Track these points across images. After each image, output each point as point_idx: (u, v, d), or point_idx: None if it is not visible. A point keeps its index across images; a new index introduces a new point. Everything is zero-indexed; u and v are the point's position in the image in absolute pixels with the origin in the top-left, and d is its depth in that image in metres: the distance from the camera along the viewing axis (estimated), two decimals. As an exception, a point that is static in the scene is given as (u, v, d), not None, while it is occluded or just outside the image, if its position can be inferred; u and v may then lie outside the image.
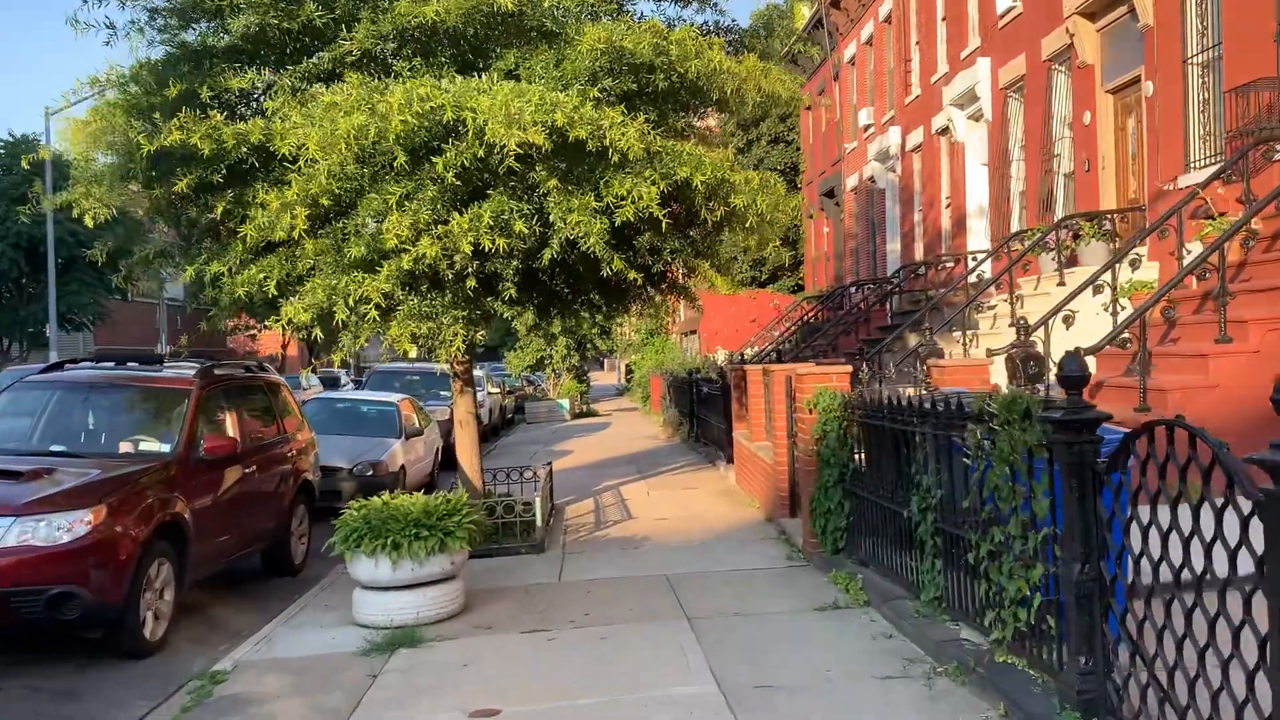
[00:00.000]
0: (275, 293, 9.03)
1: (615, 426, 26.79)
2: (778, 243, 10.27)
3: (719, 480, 14.27)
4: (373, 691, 5.90)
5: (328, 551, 7.54)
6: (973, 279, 16.48)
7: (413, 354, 11.12)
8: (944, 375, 8.29)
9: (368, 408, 14.76)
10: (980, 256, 18.03)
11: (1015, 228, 17.64)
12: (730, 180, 8.92)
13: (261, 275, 9.04)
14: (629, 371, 40.43)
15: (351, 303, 8.53)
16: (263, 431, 9.67)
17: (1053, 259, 14.05)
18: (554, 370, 31.75)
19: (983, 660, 5.17)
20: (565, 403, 30.22)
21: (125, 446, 8.14)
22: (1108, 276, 10.34)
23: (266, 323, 8.95)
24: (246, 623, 8.04)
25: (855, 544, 7.75)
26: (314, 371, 31.76)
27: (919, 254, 21.94)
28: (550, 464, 12.76)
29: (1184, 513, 3.57)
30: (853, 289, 23.78)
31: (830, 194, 28.44)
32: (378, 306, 8.78)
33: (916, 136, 21.99)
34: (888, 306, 20.90)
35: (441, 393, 19.55)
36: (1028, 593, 4.83)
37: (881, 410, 6.87)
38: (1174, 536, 3.68)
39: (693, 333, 33.36)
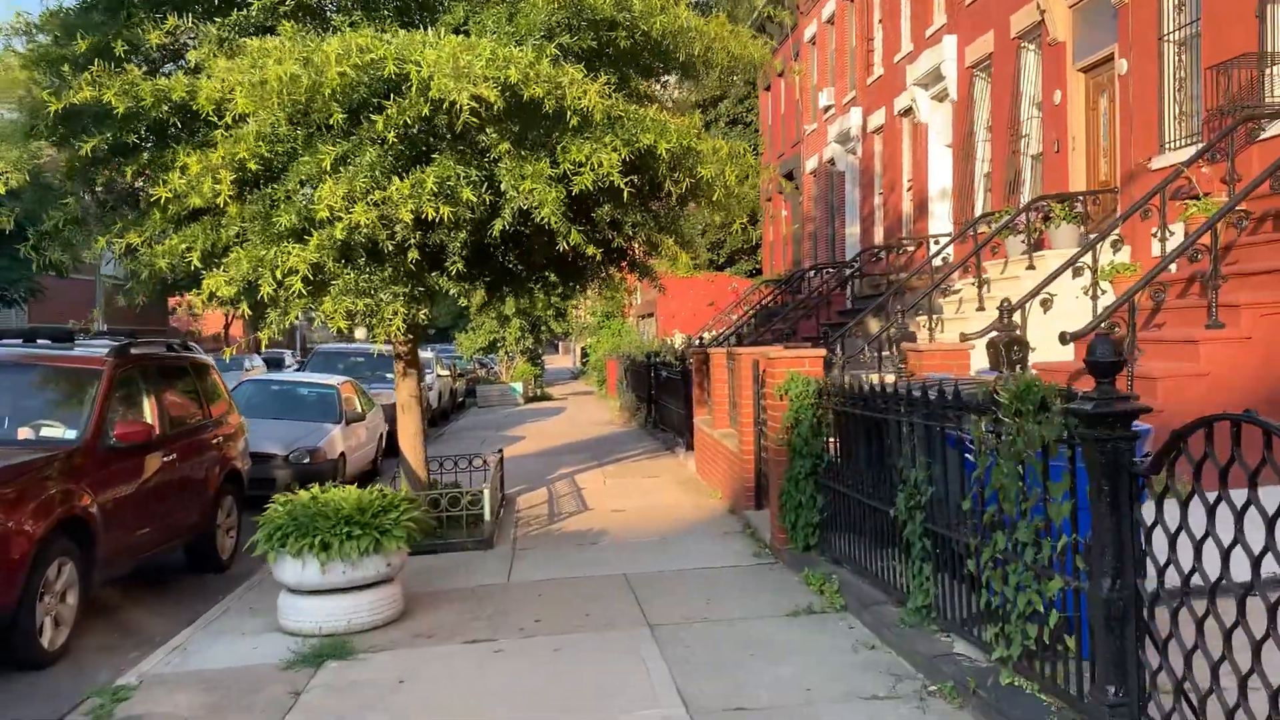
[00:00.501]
0: (199, 265, 8.21)
1: (570, 411, 26.06)
2: (745, 219, 9.61)
3: (679, 468, 13.63)
4: (294, 714, 5.16)
5: (249, 550, 6.76)
6: (937, 263, 15.96)
7: (361, 335, 10.32)
8: (922, 360, 7.69)
9: (305, 390, 13.90)
10: (943, 240, 17.56)
11: (980, 211, 17.16)
12: (697, 149, 8.24)
13: (184, 246, 8.21)
14: (584, 355, 39.69)
15: (279, 275, 7.74)
16: (185, 416, 8.83)
17: (1022, 241, 13.56)
18: (507, 353, 30.87)
19: (985, 681, 4.55)
20: (518, 386, 29.40)
21: (25, 433, 7.28)
22: (1088, 259, 9.81)
23: (189, 296, 8.12)
24: (163, 627, 7.24)
25: (829, 541, 7.13)
26: (237, 351, 30.64)
27: (879, 238, 21.43)
28: (501, 451, 12.03)
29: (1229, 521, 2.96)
30: (811, 273, 23.24)
31: (789, 177, 27.85)
32: (307, 280, 7.99)
33: (878, 118, 21.44)
34: (848, 291, 20.37)
35: (387, 375, 18.63)
36: (1041, 608, 4.21)
37: (862, 397, 6.24)
38: (1238, 552, 3.08)
39: (650, 315, 32.69)
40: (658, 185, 8.60)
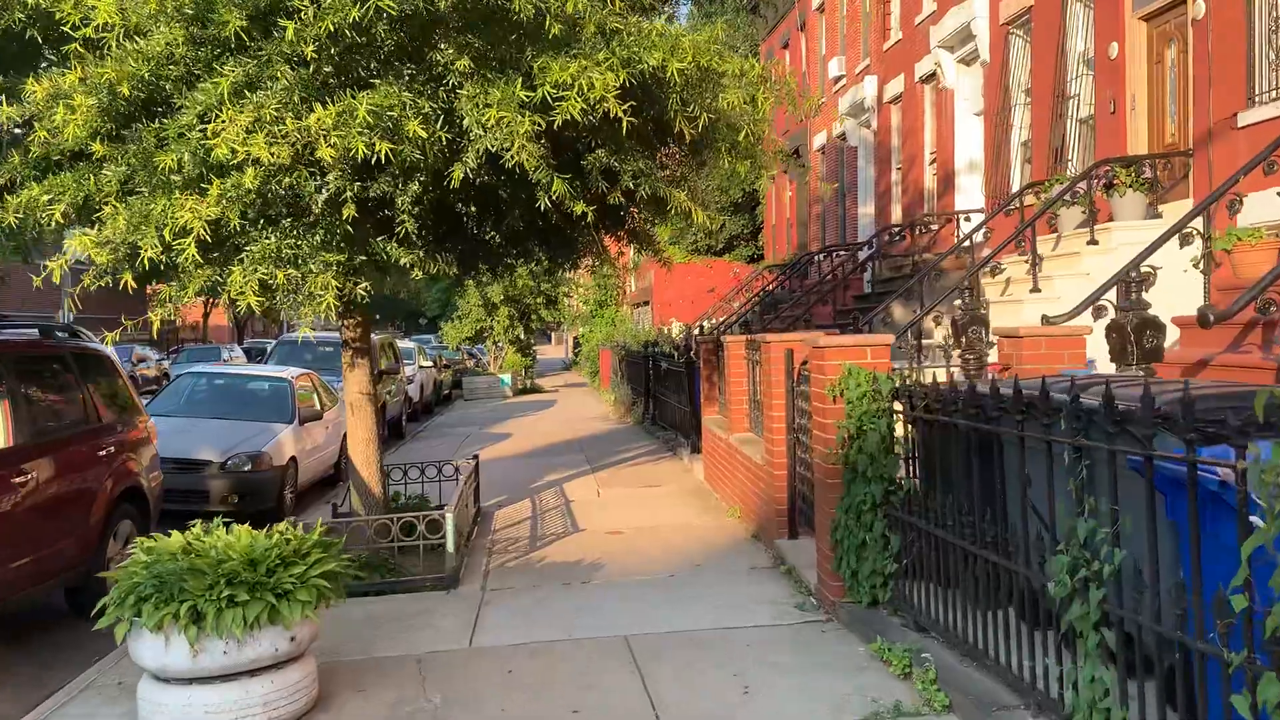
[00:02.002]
0: (62, 221, 6.16)
1: (561, 405, 24.00)
2: (776, 170, 7.57)
3: (683, 474, 11.60)
4: None
5: (95, 619, 4.69)
6: (962, 242, 13.93)
7: (312, 319, 8.28)
8: (1021, 350, 5.68)
9: (253, 385, 11.82)
10: (975, 216, 15.57)
11: (1017, 183, 15.15)
12: (718, 70, 6.20)
13: (47, 197, 6.16)
14: (577, 345, 37.63)
15: (167, 236, 5.69)
16: (58, 421, 6.78)
17: (1082, 212, 11.52)
18: (495, 343, 28.79)
19: None
20: (507, 378, 27.33)
21: None
22: (1199, 223, 7.80)
23: (48, 263, 6.08)
24: (3, 708, 5.24)
25: (907, 597, 5.11)
26: (196, 341, 28.52)
27: (897, 216, 19.39)
28: (476, 457, 9.98)
29: None
30: (820, 256, 21.21)
31: (795, 154, 25.76)
32: (206, 244, 5.96)
33: (896, 86, 19.38)
34: (865, 274, 18.36)
35: (360, 367, 16.58)
36: None
37: (977, 404, 4.21)
38: None
39: (645, 304, 30.66)
40: (665, 124, 6.57)
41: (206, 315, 41.43)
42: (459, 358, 32.67)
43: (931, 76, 17.87)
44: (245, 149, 5.36)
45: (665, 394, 15.19)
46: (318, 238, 6.49)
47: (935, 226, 17.04)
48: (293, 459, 10.75)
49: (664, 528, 8.55)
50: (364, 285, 6.48)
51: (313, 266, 6.38)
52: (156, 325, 6.18)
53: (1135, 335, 5.71)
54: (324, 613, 4.83)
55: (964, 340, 7.48)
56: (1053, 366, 5.67)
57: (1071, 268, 11.15)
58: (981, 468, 4.27)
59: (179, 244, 5.58)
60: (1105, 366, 6.46)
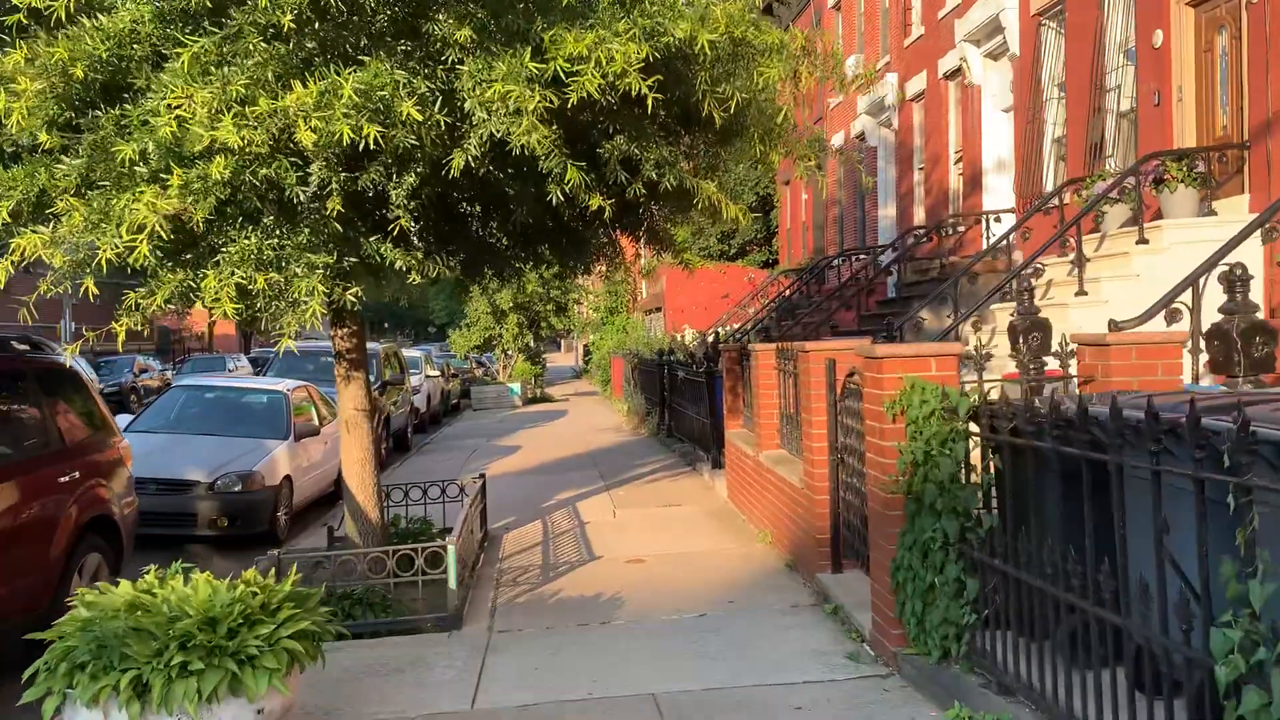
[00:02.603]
0: (10, 220, 5.42)
1: (572, 415, 23.22)
2: (814, 160, 6.79)
3: (705, 492, 10.81)
4: None
5: (26, 684, 3.91)
6: (998, 242, 13.13)
7: (295, 329, 7.56)
8: (1109, 360, 4.86)
9: (247, 398, 11.06)
10: (1004, 216, 14.80)
11: (1050, 181, 14.35)
12: (754, 43, 5.43)
13: (-9, 194, 5.43)
14: (587, 353, 36.85)
15: (124, 234, 4.95)
16: (14, 444, 6.03)
17: (1130, 209, 10.71)
18: (503, 351, 28.02)
19: None
20: (516, 387, 26.56)
21: None
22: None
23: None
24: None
25: (987, 652, 4.31)
26: (74, 348, 27.80)
27: (919, 219, 18.59)
28: (483, 476, 9.20)
29: None
30: (838, 261, 20.43)
31: (828, 146, 24.97)
32: (175, 244, 5.24)
33: (919, 83, 18.58)
34: (889, 278, 17.56)
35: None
36: None
37: (1102, 430, 3.40)
38: None
39: (657, 310, 29.90)
40: (693, 108, 5.81)
41: (212, 324, 40.73)
42: (468, 366, 31.94)
43: (956, 72, 17.07)
44: (212, 134, 4.61)
45: (682, 405, 14.41)
46: (303, 237, 5.74)
47: (962, 228, 16.26)
48: (287, 478, 9.99)
49: (689, 555, 7.75)
50: (354, 290, 5.71)
51: (297, 270, 5.62)
52: (121, 335, 5.40)
53: (1243, 342, 4.92)
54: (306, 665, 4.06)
55: (1023, 348, 6.67)
56: (1144, 379, 4.87)
57: (1119, 269, 10.34)
58: (1092, 505, 3.48)
59: (132, 240, 4.83)
60: (1194, 379, 5.66)
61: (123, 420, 10.62)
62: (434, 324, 54.66)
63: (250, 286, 5.59)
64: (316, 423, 11.30)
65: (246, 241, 5.62)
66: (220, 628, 3.73)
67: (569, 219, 7.12)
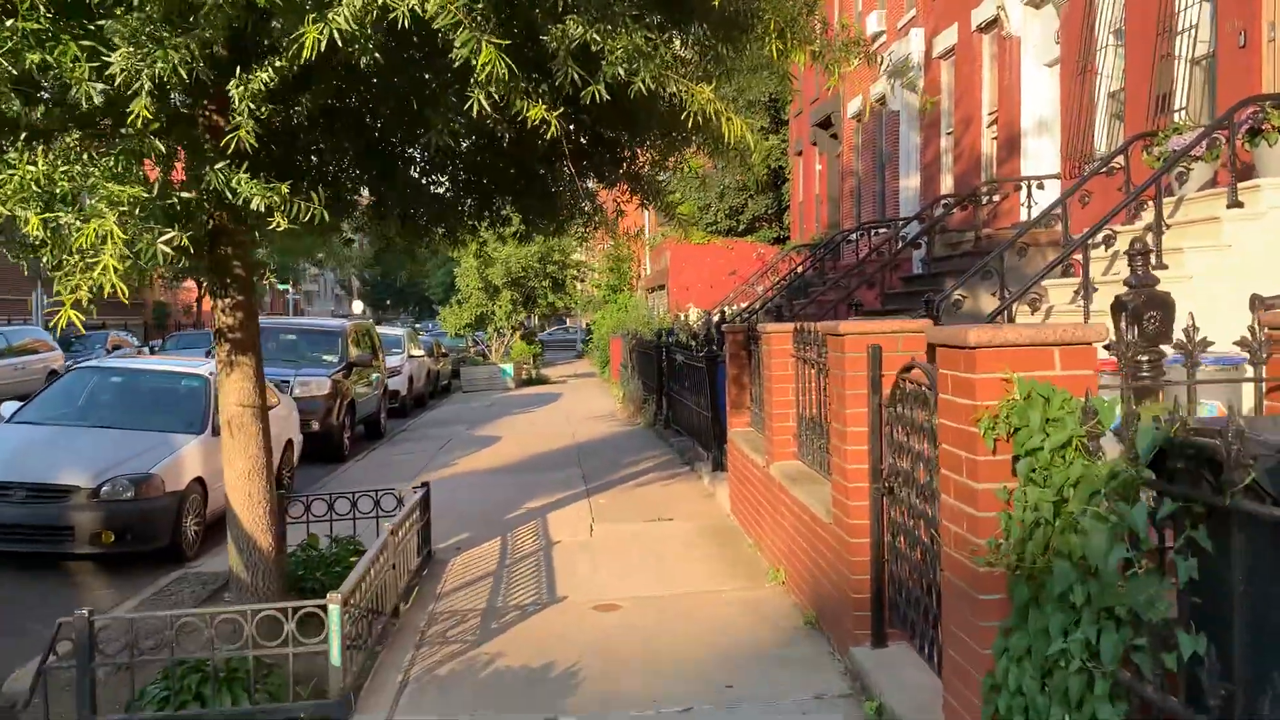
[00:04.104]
0: None
1: (566, 399, 21.32)
2: (856, 63, 4.85)
3: (702, 500, 8.92)
4: None
5: None
6: (1052, 208, 11.17)
7: (358, 308, 5.80)
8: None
9: (160, 383, 9.19)
10: (1049, 183, 12.91)
11: (1102, 141, 12.40)
12: None
13: None
14: (589, 331, 34.93)
15: None
16: None
17: (1221, 166, 8.76)
18: (496, 329, 26.09)
19: None
20: (509, 368, 24.65)
21: None
22: None
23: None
24: None
25: None
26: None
27: (947, 187, 16.61)
28: (426, 486, 7.31)
29: None
30: (855, 235, 18.47)
31: (825, 124, 22.98)
32: None
33: (948, 37, 16.56)
34: (915, 252, 15.61)
35: (325, 357, 14.00)
36: None
37: None
38: None
39: (661, 288, 27.96)
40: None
41: (200, 296, 38.75)
42: (464, 345, 30.03)
43: (992, 23, 15.06)
44: None
45: (681, 393, 12.51)
46: (111, 159, 3.86)
47: (998, 197, 14.29)
48: (199, 481, 8.13)
49: (678, 599, 5.87)
50: (173, 238, 3.82)
51: (99, 203, 3.75)
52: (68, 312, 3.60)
53: None
54: None
55: (1129, 330, 4.77)
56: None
57: (1205, 238, 8.42)
58: None
59: None
60: None
61: (10, 408, 8.80)
62: (435, 301, 52.75)
63: (26, 230, 3.74)
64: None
65: (31, 168, 3.74)
66: None
67: (517, 152, 5.24)
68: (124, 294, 3.65)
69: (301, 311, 55.78)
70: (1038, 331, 2.98)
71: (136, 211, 3.73)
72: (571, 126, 5.56)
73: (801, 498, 5.35)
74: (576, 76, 3.80)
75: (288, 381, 12.67)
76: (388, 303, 63.79)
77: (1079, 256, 8.99)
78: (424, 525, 7.15)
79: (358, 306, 51.70)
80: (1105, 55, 12.67)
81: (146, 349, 27.80)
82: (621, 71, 3.81)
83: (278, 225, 4.06)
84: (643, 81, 3.81)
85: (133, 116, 3.55)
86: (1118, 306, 5.07)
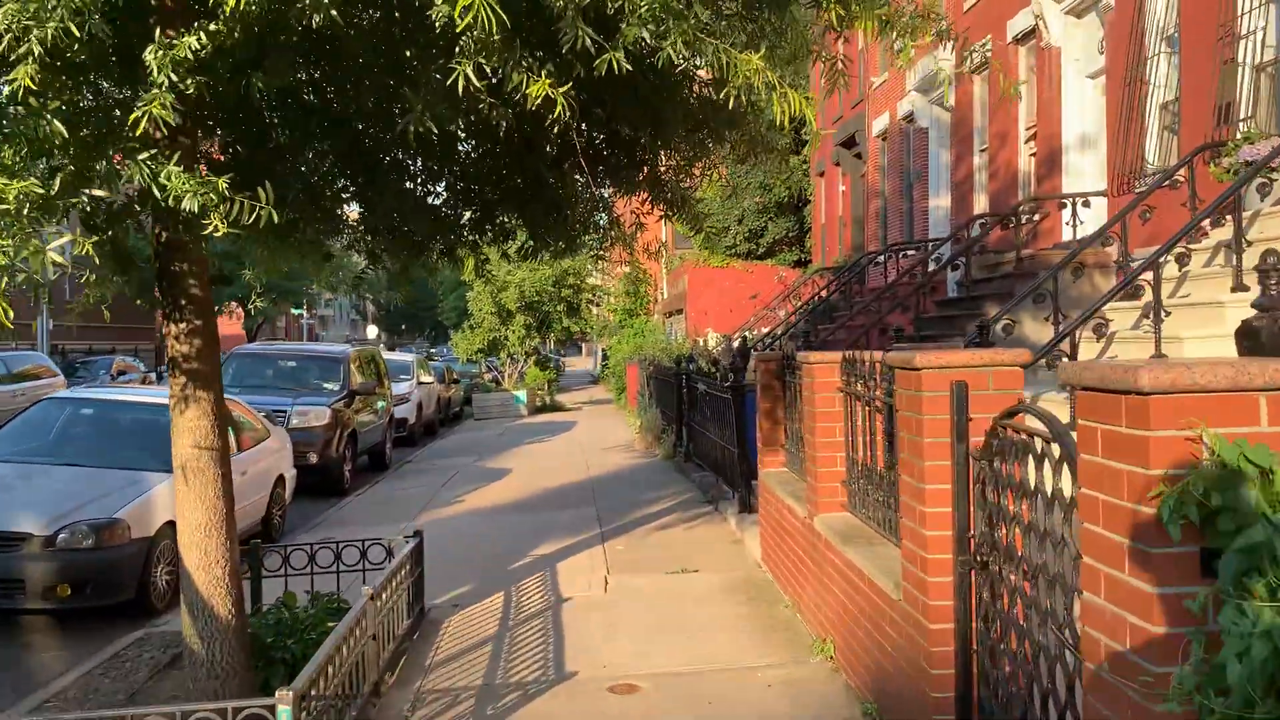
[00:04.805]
0: None
1: (581, 428, 20.43)
2: (930, 37, 4.01)
3: (730, 547, 8.01)
4: None
5: None
6: (1110, 225, 10.28)
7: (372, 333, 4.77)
8: None
9: (134, 415, 8.34)
10: (1095, 201, 12.08)
11: (1155, 156, 11.52)
12: None
13: None
14: (605, 357, 34.09)
15: None
16: None
17: (1300, 179, 7.87)
18: (509, 355, 25.25)
19: None
20: (522, 395, 23.78)
21: None
22: None
23: None
24: None
25: None
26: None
27: (981, 207, 15.74)
28: (420, 535, 6.43)
29: None
30: (883, 257, 17.61)
31: (849, 144, 22.14)
32: None
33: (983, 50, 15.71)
34: (949, 274, 14.71)
35: (325, 385, 13.17)
36: None
37: None
38: None
39: (678, 312, 27.09)
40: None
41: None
42: (477, 371, 29.19)
43: (1029, 34, 14.23)
44: None
45: (703, 424, 11.62)
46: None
47: (1038, 217, 13.41)
48: (171, 525, 7.26)
49: (706, 677, 4.96)
50: (61, 243, 2.98)
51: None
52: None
53: None
54: None
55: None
56: None
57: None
58: None
59: None
60: None
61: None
62: (449, 326, 52.05)
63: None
64: (231, 445, 8.59)
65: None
66: None
67: (521, 155, 4.41)
68: (4, 316, 2.81)
69: (316, 337, 55.16)
70: (1237, 371, 2.09)
71: (26, 212, 2.89)
72: (584, 125, 4.73)
73: (859, 562, 4.44)
74: (589, 42, 2.95)
75: (284, 411, 11.85)
76: (403, 328, 63.10)
77: (1149, 276, 8.10)
78: (416, 579, 6.28)
79: (372, 331, 50.99)
80: (1156, 64, 11.79)
81: (153, 375, 27.12)
82: (646, 35, 2.96)
83: (215, 229, 3.21)
84: (673, 46, 2.96)
85: (19, 80, 2.73)
86: (1246, 335, 4.18)
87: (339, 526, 9.70)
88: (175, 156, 3.22)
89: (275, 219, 3.23)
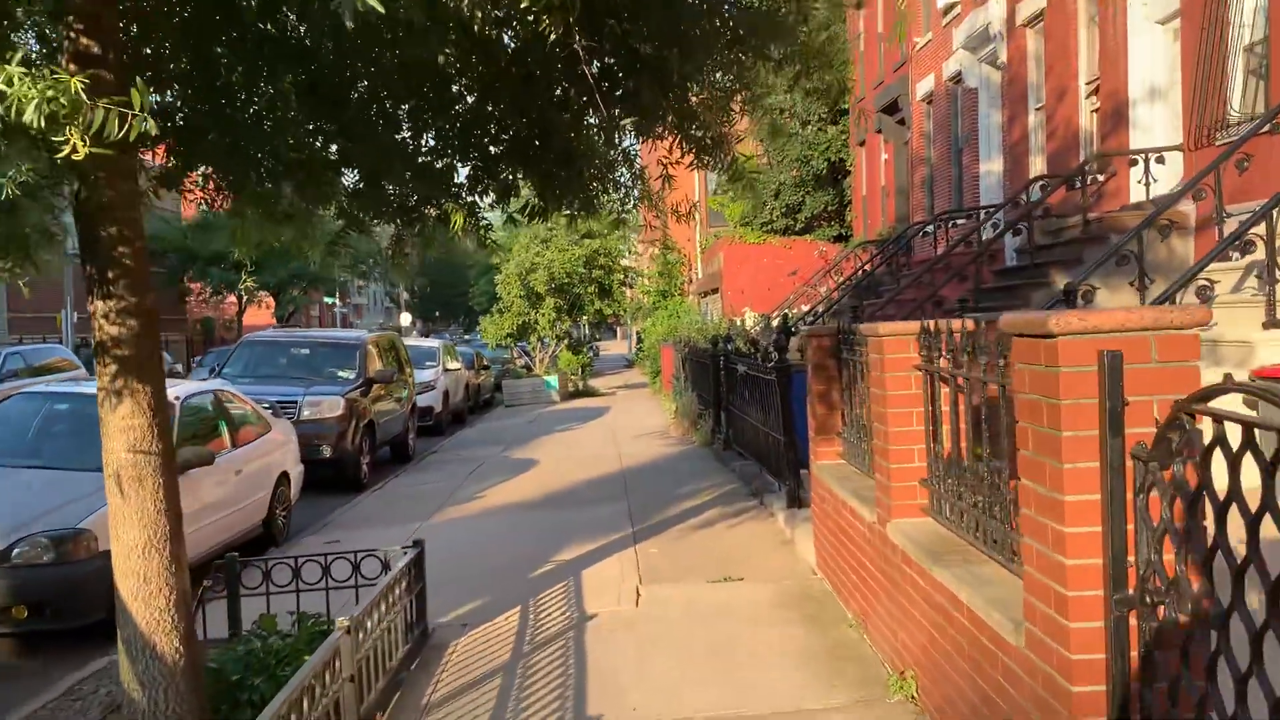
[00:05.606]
0: None
1: (614, 413, 19.51)
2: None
3: (779, 549, 7.04)
4: None
5: None
6: (1200, 177, 9.15)
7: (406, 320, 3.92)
8: None
9: (113, 413, 7.53)
10: (1170, 156, 10.95)
11: (1236, 105, 10.35)
12: None
13: None
14: (639, 340, 33.13)
15: None
16: None
17: None
18: (539, 339, 24.36)
19: None
20: (553, 380, 22.90)
21: None
22: None
23: None
24: None
25: None
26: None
27: (1038, 169, 14.55)
28: (420, 546, 5.54)
29: None
30: (932, 227, 16.49)
31: (891, 109, 20.95)
32: None
33: (1036, 1, 14.54)
34: (1007, 241, 13.62)
35: (340, 373, 12.34)
36: None
37: None
38: None
39: (714, 291, 26.04)
40: None
41: (241, 311, 37.58)
42: (509, 357, 28.34)
43: (1092, -21, 13.02)
44: None
45: (744, 409, 10.64)
46: None
47: (1103, 177, 12.25)
48: (151, 534, 6.43)
49: (760, 720, 4.03)
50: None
51: None
52: None
53: None
54: None
55: None
56: None
57: None
58: None
59: None
60: None
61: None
62: (480, 311, 51.32)
63: None
64: (223, 442, 7.78)
65: None
66: None
67: (525, 93, 3.47)
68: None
69: (350, 325, 54.69)
70: None
71: None
72: (595, 41, 3.78)
73: (954, 588, 3.47)
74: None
75: (295, 402, 11.05)
76: (436, 314, 62.53)
77: (1260, 229, 7.00)
78: (417, 595, 5.39)
79: (405, 319, 50.39)
80: (1239, 5, 10.59)
81: (179, 367, 26.58)
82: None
83: (73, 150, 2.29)
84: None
85: None
86: None
87: (348, 527, 8.87)
88: (18, 58, 2.30)
89: (152, 131, 2.29)
